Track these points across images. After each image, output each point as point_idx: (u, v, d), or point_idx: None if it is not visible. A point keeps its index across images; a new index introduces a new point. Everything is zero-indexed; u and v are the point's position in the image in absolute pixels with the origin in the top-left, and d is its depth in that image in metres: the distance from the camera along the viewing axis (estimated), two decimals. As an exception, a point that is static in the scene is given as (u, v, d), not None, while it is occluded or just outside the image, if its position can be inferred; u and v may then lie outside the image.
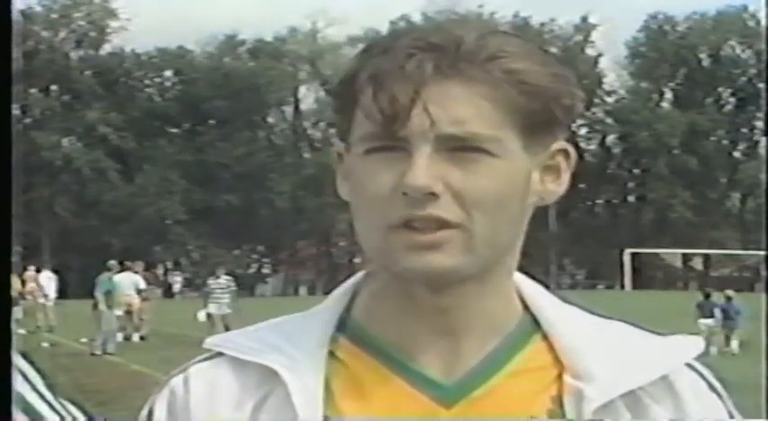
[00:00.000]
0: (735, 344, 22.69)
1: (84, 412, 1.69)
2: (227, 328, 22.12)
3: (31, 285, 27.00)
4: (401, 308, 1.21)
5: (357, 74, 1.19)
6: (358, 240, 1.21)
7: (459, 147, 1.15)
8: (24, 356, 1.67)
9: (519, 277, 1.27)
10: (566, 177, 1.24)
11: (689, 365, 1.24)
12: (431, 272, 1.15)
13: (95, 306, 22.27)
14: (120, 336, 22.94)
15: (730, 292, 24.67)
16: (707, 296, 24.38)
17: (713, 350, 20.76)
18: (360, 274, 1.29)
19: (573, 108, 1.21)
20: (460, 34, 1.18)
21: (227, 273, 23.66)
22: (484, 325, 1.22)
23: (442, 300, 1.19)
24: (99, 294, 22.28)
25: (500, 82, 1.16)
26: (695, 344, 1.25)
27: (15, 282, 25.26)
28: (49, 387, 1.67)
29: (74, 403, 1.69)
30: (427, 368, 1.21)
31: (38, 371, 1.68)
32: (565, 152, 1.23)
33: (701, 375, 1.25)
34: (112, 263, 23.57)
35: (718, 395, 1.25)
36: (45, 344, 22.05)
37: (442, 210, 1.14)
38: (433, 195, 1.14)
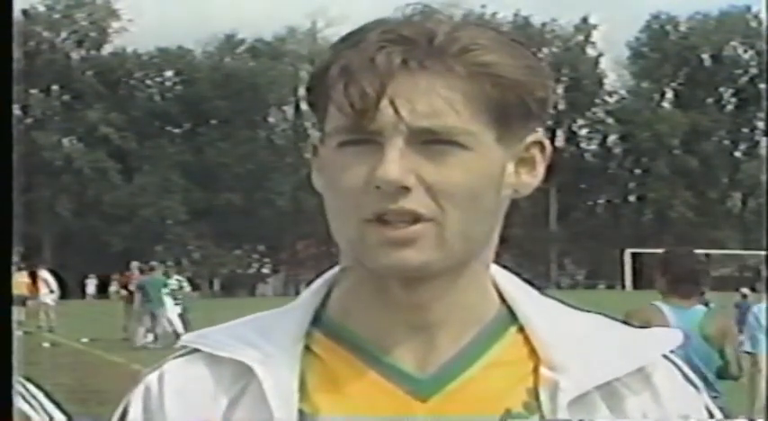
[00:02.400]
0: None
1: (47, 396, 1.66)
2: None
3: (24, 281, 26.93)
4: (375, 303, 1.21)
5: (329, 67, 1.18)
6: (332, 233, 1.21)
7: (431, 140, 1.14)
8: None
9: (495, 269, 1.26)
10: (541, 169, 1.23)
11: (666, 357, 1.24)
12: (404, 268, 1.15)
13: (146, 302, 22.34)
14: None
15: (745, 290, 25.78)
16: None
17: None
18: (334, 270, 1.29)
19: (547, 100, 1.20)
20: (432, 27, 1.17)
21: (178, 273, 24.01)
22: (459, 318, 1.21)
23: (415, 296, 1.19)
24: (160, 294, 22.46)
25: (472, 75, 1.15)
26: (673, 337, 1.25)
27: (24, 281, 25.29)
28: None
29: (38, 387, 1.65)
30: (402, 362, 1.20)
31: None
32: (540, 144, 1.23)
33: (678, 367, 1.25)
34: (154, 263, 23.88)
35: (695, 387, 1.25)
36: (45, 344, 22.06)
37: (415, 203, 1.14)
38: (405, 189, 1.13)
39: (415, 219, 1.14)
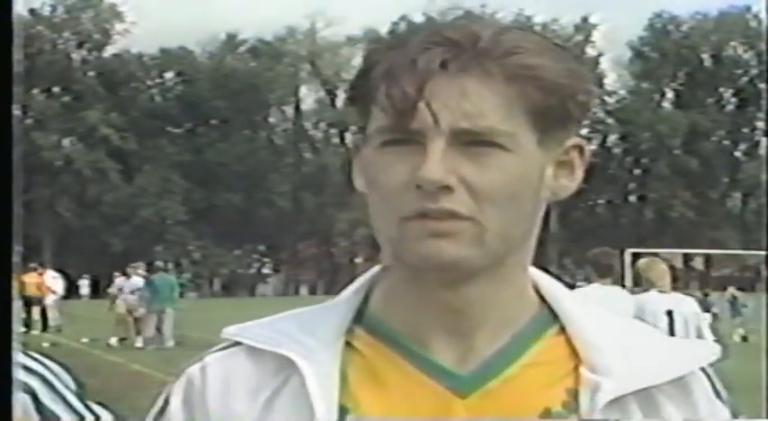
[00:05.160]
0: (737, 334, 27.08)
1: (115, 415, 1.68)
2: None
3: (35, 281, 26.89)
4: (416, 301, 1.22)
5: (372, 68, 1.19)
6: (374, 232, 1.22)
7: (472, 142, 1.15)
8: (50, 358, 1.63)
9: (534, 271, 1.28)
10: (579, 173, 1.25)
11: (702, 370, 1.26)
12: (441, 260, 1.16)
13: (156, 302, 22.26)
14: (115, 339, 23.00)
15: (736, 292, 29.69)
16: (705, 295, 29.00)
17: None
18: (376, 269, 1.30)
19: (587, 104, 1.22)
20: (477, 30, 1.18)
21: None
22: (498, 318, 1.22)
23: (456, 297, 1.20)
24: (173, 293, 22.50)
25: (516, 77, 1.16)
26: (713, 350, 1.26)
27: (32, 282, 25.28)
28: (78, 393, 1.64)
29: (103, 406, 1.67)
30: (442, 358, 1.21)
31: (69, 373, 1.66)
32: (579, 148, 1.24)
33: (711, 381, 1.26)
34: (160, 263, 23.87)
35: (722, 401, 1.27)
36: (45, 344, 22.05)
37: (456, 203, 1.15)
38: (447, 189, 1.14)
39: (454, 217, 1.15)
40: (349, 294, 1.29)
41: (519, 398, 1.20)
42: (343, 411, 1.19)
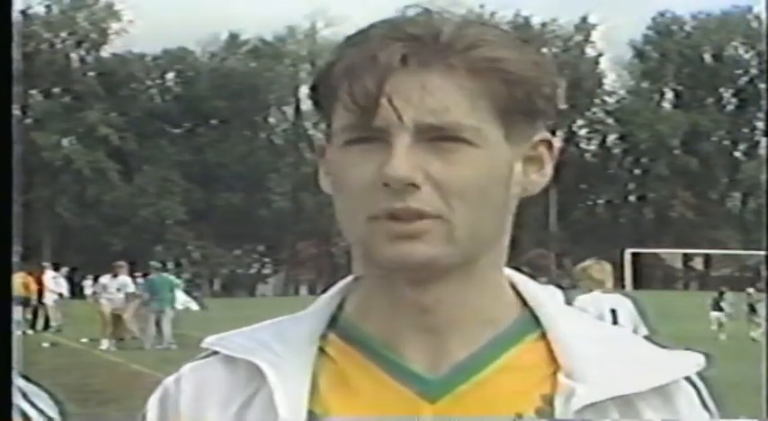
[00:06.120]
0: (756, 332, 27.90)
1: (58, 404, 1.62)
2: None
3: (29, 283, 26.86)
4: (387, 305, 1.20)
5: (334, 65, 1.18)
6: (343, 233, 1.20)
7: (438, 137, 1.13)
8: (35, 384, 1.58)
9: (512, 272, 1.26)
10: (549, 168, 1.23)
11: (687, 379, 1.23)
12: (411, 261, 1.14)
13: (154, 302, 22.15)
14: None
15: (750, 290, 31.10)
16: (721, 294, 30.66)
17: (722, 336, 26.95)
18: (349, 278, 1.29)
19: (554, 97, 1.20)
20: (438, 24, 1.17)
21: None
22: (470, 320, 1.20)
23: (423, 297, 1.18)
24: (171, 293, 22.49)
25: (480, 71, 1.15)
26: (696, 361, 1.23)
27: (24, 282, 25.28)
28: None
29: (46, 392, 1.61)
30: (413, 363, 1.20)
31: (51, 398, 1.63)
32: (547, 142, 1.23)
33: (698, 390, 1.23)
34: (155, 263, 23.79)
35: (710, 413, 1.23)
36: (45, 344, 22.07)
37: (422, 201, 1.13)
38: (413, 186, 1.13)
39: (422, 216, 1.13)
40: (324, 301, 1.28)
41: (489, 402, 1.18)
42: (312, 416, 1.18)
